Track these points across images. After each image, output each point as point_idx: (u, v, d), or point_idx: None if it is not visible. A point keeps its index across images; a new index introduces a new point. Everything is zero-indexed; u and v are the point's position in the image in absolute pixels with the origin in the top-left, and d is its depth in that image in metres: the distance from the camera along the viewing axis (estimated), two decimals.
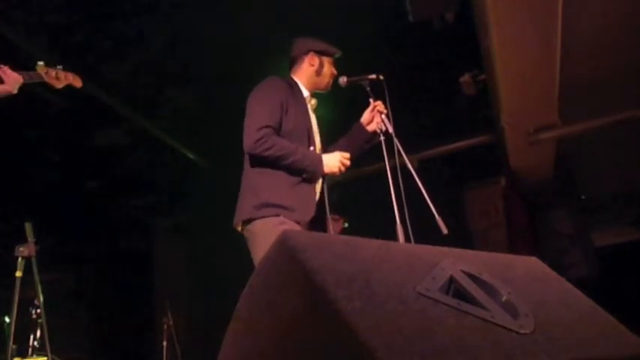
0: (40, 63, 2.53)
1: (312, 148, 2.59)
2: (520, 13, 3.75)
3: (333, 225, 3.75)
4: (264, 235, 2.31)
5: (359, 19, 4.24)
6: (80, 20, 4.18)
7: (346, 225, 3.78)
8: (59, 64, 2.61)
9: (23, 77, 2.39)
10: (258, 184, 2.48)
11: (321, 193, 2.60)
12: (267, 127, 2.43)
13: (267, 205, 2.40)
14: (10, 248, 3.19)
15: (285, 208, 2.39)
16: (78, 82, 2.68)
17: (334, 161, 2.53)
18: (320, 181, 2.60)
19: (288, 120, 2.54)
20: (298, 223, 2.41)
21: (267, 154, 2.41)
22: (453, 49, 4.79)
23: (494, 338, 1.11)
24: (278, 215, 2.38)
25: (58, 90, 2.71)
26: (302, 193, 2.48)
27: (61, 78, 2.58)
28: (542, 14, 3.78)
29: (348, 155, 2.57)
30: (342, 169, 2.55)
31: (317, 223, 2.53)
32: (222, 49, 4.40)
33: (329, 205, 2.62)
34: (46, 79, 2.52)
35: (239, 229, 2.51)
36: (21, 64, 2.50)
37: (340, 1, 4.04)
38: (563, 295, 1.46)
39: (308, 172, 2.48)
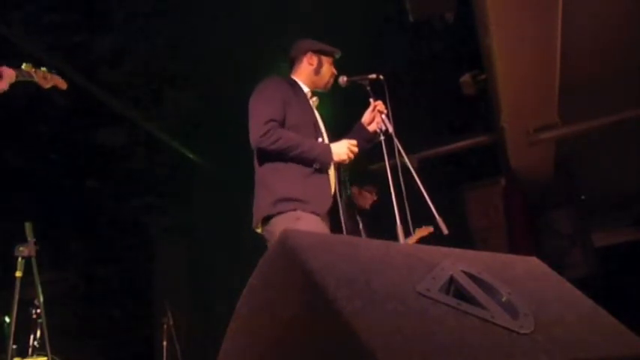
0: (25, 64, 2.58)
1: (320, 140, 2.59)
2: (520, 13, 3.75)
3: (368, 197, 3.68)
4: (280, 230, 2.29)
5: (359, 19, 4.24)
6: (80, 20, 4.18)
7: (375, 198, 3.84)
8: (43, 67, 2.65)
9: (16, 75, 2.43)
10: (270, 181, 2.47)
11: (338, 182, 2.60)
12: (272, 120, 2.43)
13: (283, 199, 2.39)
14: (10, 248, 3.19)
15: (300, 201, 2.38)
16: (63, 85, 2.74)
17: (343, 149, 2.52)
18: (334, 171, 2.60)
19: (292, 114, 2.54)
20: (317, 214, 2.40)
21: (274, 147, 2.41)
22: (453, 49, 4.79)
23: (494, 338, 1.11)
24: (295, 210, 2.36)
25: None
26: (316, 185, 2.46)
27: (48, 78, 2.64)
28: (542, 14, 3.78)
29: (355, 142, 2.57)
30: (351, 155, 2.54)
31: (335, 214, 2.52)
32: (222, 49, 4.40)
33: (346, 191, 2.62)
34: (36, 78, 2.57)
35: (259, 230, 2.50)
36: (19, 64, 2.56)
37: (340, 1, 4.05)
38: (563, 295, 1.46)
39: (318, 162, 2.47)
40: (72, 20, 4.16)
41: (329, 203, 2.47)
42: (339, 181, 2.62)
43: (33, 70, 2.57)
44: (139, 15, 4.21)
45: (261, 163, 2.54)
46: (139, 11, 4.18)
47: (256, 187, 2.56)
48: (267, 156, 2.48)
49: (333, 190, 2.55)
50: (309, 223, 2.33)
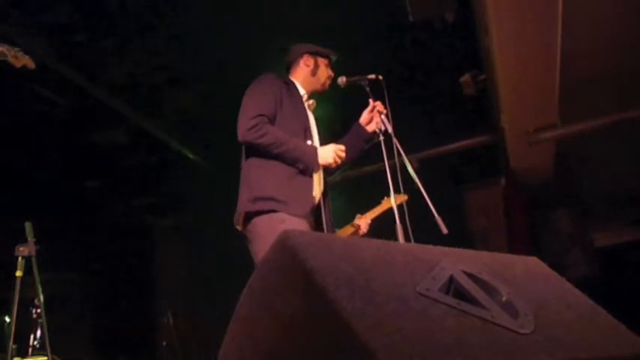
0: None
1: (309, 142, 2.59)
2: (520, 13, 3.75)
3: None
4: (265, 234, 2.30)
5: (359, 19, 4.24)
6: (80, 20, 4.18)
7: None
8: (15, 47, 2.70)
9: None
10: (253, 178, 2.47)
11: (324, 186, 2.60)
12: (260, 115, 2.44)
13: (263, 198, 2.39)
14: (10, 248, 3.18)
15: (280, 201, 2.38)
16: (31, 64, 2.78)
17: (329, 152, 2.52)
18: (321, 174, 2.59)
19: (283, 115, 2.54)
20: (297, 216, 2.39)
21: (259, 141, 2.40)
22: (453, 49, 4.79)
23: (494, 338, 1.11)
24: (275, 210, 2.36)
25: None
26: (298, 186, 2.46)
27: (19, 57, 2.69)
28: (542, 14, 3.78)
29: (343, 147, 2.57)
30: (338, 160, 2.54)
31: (317, 216, 2.52)
32: (222, 49, 4.40)
33: (328, 196, 2.62)
34: (8, 56, 2.62)
35: (239, 227, 2.50)
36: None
37: (340, 1, 4.05)
38: (563, 295, 1.46)
39: (302, 163, 2.46)
40: (72, 20, 4.15)
41: (309, 206, 2.47)
42: (325, 185, 2.61)
43: (5, 48, 2.61)
44: (139, 15, 4.21)
45: (247, 159, 2.53)
46: (138, 11, 4.18)
47: (240, 182, 2.57)
48: (254, 152, 2.48)
49: (317, 193, 2.54)
50: (292, 224, 2.32)
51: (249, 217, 2.42)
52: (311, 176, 2.51)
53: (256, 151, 2.46)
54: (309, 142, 2.58)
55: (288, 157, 2.44)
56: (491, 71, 4.53)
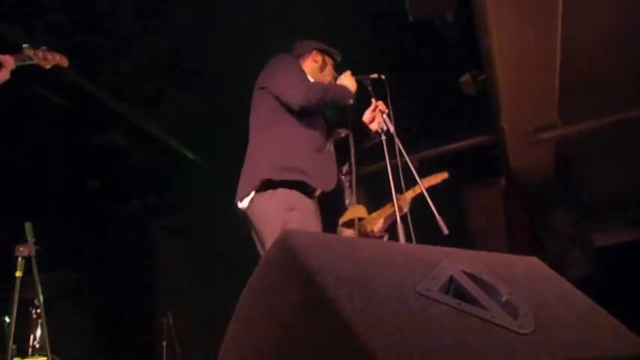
0: (26, 45, 2.54)
1: (325, 125, 2.66)
2: (520, 13, 3.75)
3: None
4: (273, 215, 2.22)
5: (359, 19, 4.24)
6: (80, 20, 4.18)
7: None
8: (43, 46, 2.62)
9: (15, 60, 2.41)
10: (279, 146, 2.40)
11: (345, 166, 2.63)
12: (305, 79, 2.55)
13: (291, 168, 2.33)
14: (10, 248, 3.18)
15: (307, 173, 2.34)
16: (65, 62, 2.70)
17: (351, 82, 2.63)
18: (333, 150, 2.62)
19: None
20: (321, 190, 2.40)
21: (319, 98, 2.45)
22: (453, 49, 4.79)
23: (494, 338, 1.11)
24: (301, 181, 2.32)
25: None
26: (322, 161, 2.48)
27: (49, 58, 2.60)
28: (542, 14, 3.78)
29: (349, 73, 2.69)
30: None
31: (335, 197, 2.52)
32: (222, 49, 4.40)
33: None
34: (36, 59, 2.54)
35: (243, 204, 2.36)
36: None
37: (341, 1, 4.05)
38: (563, 295, 1.46)
39: (347, 99, 2.56)
40: (72, 20, 4.15)
41: (334, 183, 2.46)
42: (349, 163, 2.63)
43: (33, 51, 2.53)
44: (139, 15, 4.21)
45: (264, 127, 2.48)
46: (139, 11, 4.18)
47: (257, 145, 2.48)
48: (281, 120, 2.45)
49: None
50: (302, 213, 2.28)
51: (266, 186, 2.29)
52: (332, 153, 2.56)
53: (281, 120, 2.45)
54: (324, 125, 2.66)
55: (339, 98, 2.55)
56: (491, 71, 4.53)
